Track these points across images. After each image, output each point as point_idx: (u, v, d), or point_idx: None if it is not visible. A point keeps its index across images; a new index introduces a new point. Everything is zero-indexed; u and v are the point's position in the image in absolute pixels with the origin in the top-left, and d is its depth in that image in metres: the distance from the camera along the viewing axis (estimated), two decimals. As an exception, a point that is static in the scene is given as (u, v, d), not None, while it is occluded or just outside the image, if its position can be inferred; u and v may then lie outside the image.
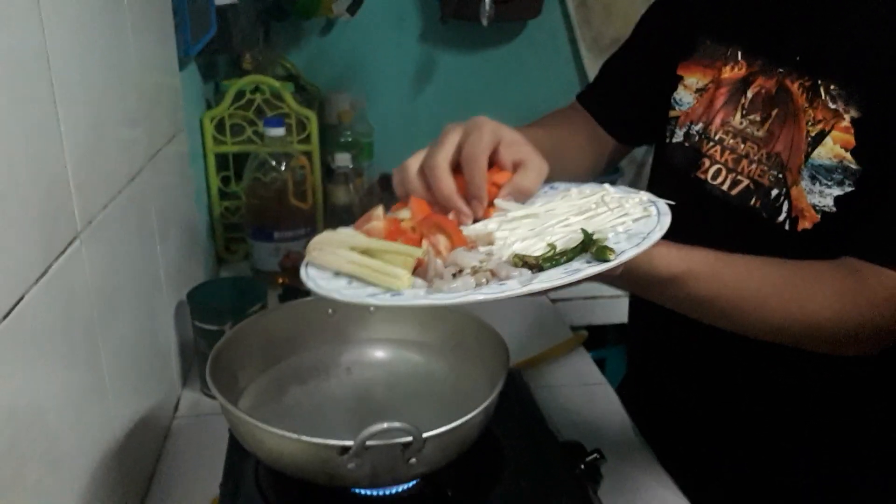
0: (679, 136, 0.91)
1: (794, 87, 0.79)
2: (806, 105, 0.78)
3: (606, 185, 0.69)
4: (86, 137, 0.72)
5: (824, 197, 0.76)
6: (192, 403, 1.05)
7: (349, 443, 0.58)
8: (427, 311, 0.86)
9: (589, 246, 0.60)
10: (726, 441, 0.93)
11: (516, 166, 0.69)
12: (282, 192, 1.36)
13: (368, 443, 0.58)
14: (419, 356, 0.84)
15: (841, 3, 0.78)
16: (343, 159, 1.48)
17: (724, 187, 0.85)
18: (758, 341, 0.75)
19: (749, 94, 0.84)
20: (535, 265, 0.60)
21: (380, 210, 0.70)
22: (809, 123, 0.77)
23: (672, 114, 0.93)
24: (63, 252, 0.64)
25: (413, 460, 0.62)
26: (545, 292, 0.57)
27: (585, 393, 1.08)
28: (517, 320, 1.26)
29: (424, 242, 0.63)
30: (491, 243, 0.64)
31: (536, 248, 0.62)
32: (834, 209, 0.76)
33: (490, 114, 0.81)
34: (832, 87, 0.76)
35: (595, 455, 0.78)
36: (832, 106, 0.76)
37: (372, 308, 0.85)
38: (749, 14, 0.87)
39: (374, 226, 0.65)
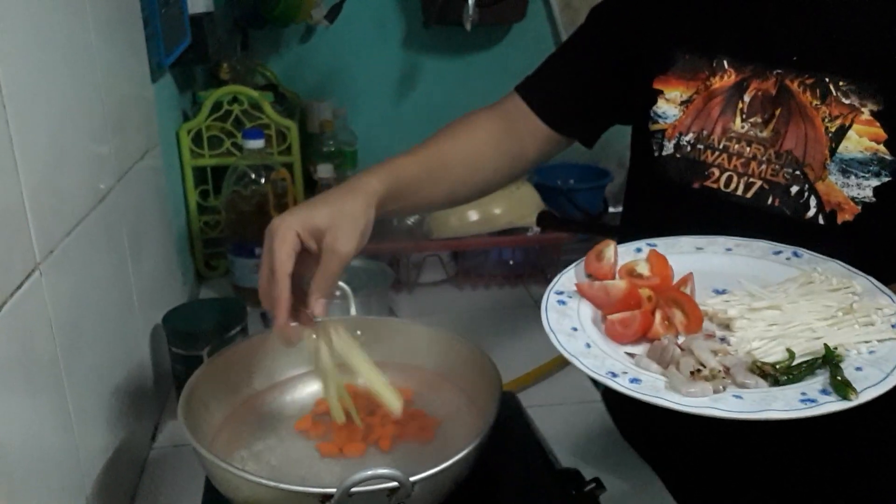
0: (669, 149, 0.90)
1: (795, 85, 0.81)
2: (817, 102, 0.80)
3: (856, 283, 0.70)
4: (45, 161, 0.67)
5: (863, 189, 0.78)
6: (171, 431, 1.00)
7: (331, 490, 0.54)
8: (417, 335, 0.83)
9: (829, 363, 0.61)
10: (714, 447, 0.89)
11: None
12: (262, 205, 1.31)
13: (353, 489, 0.53)
14: (406, 383, 0.80)
15: (826, 2, 0.79)
16: (325, 170, 1.43)
17: (739, 192, 0.85)
18: None
19: (746, 99, 0.84)
20: (772, 375, 0.61)
21: (611, 250, 0.73)
22: (826, 120, 0.79)
23: (655, 127, 0.91)
24: (19, 287, 0.60)
25: (401, 505, 0.58)
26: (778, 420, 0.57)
27: (582, 411, 1.04)
28: (509, 333, 1.22)
29: (658, 315, 0.67)
30: (727, 327, 0.67)
31: (774, 353, 0.63)
32: (874, 199, 0.78)
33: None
34: (841, 83, 0.78)
35: (593, 484, 0.74)
36: (846, 101, 0.78)
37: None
38: (730, 24, 0.86)
39: (615, 285, 0.69)
